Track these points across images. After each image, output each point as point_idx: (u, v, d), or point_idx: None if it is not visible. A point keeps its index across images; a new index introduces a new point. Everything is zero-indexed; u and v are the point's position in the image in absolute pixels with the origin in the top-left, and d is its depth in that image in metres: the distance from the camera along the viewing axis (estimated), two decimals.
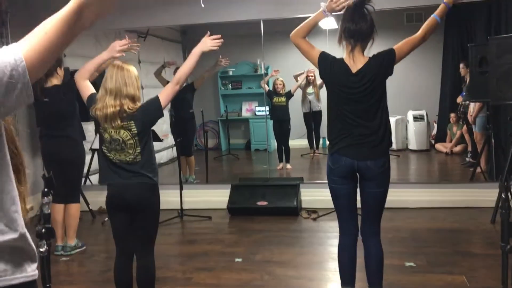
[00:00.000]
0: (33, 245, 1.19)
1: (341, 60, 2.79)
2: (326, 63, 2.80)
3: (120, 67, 2.79)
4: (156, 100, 2.79)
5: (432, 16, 2.80)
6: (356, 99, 2.74)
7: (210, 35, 2.88)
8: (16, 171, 1.18)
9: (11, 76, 1.00)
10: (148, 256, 2.93)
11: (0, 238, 1.09)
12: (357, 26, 2.70)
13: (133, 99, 2.77)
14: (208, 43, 2.85)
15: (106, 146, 2.81)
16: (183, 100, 6.61)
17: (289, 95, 7.37)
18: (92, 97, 2.88)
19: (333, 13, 2.82)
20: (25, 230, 1.15)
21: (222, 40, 2.86)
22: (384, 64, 2.74)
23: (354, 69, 2.74)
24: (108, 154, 2.81)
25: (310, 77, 7.81)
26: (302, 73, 7.58)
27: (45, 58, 1.06)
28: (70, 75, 4.44)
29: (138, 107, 2.76)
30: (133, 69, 2.84)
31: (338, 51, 2.86)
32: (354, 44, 2.74)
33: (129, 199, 2.81)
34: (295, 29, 2.87)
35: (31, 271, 1.17)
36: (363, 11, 2.73)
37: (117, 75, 2.76)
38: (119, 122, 2.73)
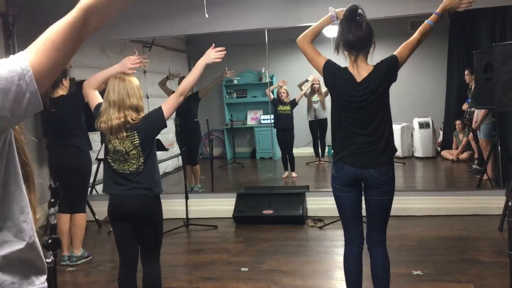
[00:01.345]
0: (43, 257, 1.18)
1: (345, 69, 2.79)
2: (330, 71, 2.81)
3: (122, 79, 2.81)
4: (159, 111, 2.80)
5: (426, 21, 2.80)
6: (360, 108, 2.74)
7: (215, 45, 2.89)
8: (26, 180, 1.19)
9: (19, 86, 1.00)
10: (153, 266, 2.93)
11: (8, 249, 1.09)
12: (354, 36, 2.70)
13: (136, 109, 2.78)
14: (212, 55, 2.85)
15: (110, 156, 2.83)
16: (187, 109, 6.63)
17: (293, 103, 7.37)
18: (98, 107, 2.90)
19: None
20: (33, 240, 1.14)
21: (225, 52, 2.86)
22: (388, 71, 2.74)
23: (359, 78, 2.74)
24: (113, 164, 2.83)
25: (315, 85, 7.82)
26: (306, 81, 7.59)
27: (53, 66, 1.05)
28: (76, 85, 4.48)
29: (141, 117, 2.78)
30: (134, 80, 2.86)
31: (343, 59, 2.87)
32: (356, 54, 2.75)
33: (130, 210, 2.81)
34: (302, 34, 2.88)
35: (40, 283, 1.16)
36: (358, 19, 2.73)
37: (119, 87, 2.77)
38: (124, 134, 2.74)
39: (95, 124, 2.84)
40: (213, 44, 2.91)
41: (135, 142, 2.76)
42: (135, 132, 2.75)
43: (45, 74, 1.04)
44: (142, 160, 2.79)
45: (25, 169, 1.18)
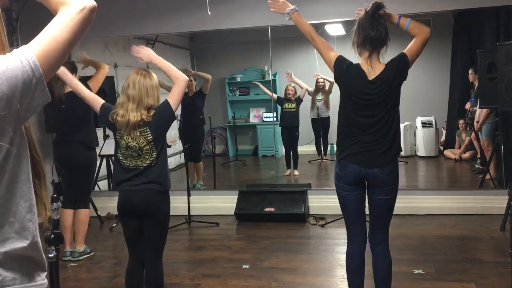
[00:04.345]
0: (43, 254, 1.19)
1: (358, 65, 2.77)
2: (342, 67, 2.78)
3: (143, 75, 2.81)
4: (166, 104, 2.82)
5: (408, 24, 2.76)
6: (370, 106, 2.72)
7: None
8: (38, 177, 1.19)
9: (25, 73, 1.03)
10: (156, 262, 2.94)
11: (10, 246, 1.09)
12: (377, 33, 2.69)
13: (149, 109, 2.79)
14: (149, 53, 2.87)
15: (122, 153, 2.83)
16: (194, 106, 6.64)
17: (298, 100, 7.38)
18: (105, 107, 2.90)
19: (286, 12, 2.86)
20: (36, 240, 1.15)
21: (139, 48, 2.89)
22: (399, 69, 2.72)
23: (371, 76, 2.72)
24: (124, 161, 2.83)
25: (320, 84, 7.81)
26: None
27: (57, 53, 1.08)
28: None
29: (152, 114, 2.79)
30: (155, 78, 2.86)
31: (348, 56, 2.86)
32: (372, 50, 2.73)
33: (138, 205, 2.82)
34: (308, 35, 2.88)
35: (41, 280, 1.16)
36: (378, 17, 2.73)
37: (140, 83, 2.77)
38: (137, 131, 2.76)
39: (110, 117, 2.82)
40: (131, 47, 2.92)
41: (148, 138, 2.77)
42: (147, 128, 2.77)
43: (50, 61, 1.07)
44: (155, 155, 2.80)
45: (37, 167, 1.19)
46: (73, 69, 4.35)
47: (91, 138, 4.43)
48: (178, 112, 6.96)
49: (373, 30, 2.70)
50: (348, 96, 2.78)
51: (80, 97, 3.06)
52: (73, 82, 3.11)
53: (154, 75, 2.87)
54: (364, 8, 2.77)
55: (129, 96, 2.77)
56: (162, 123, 2.82)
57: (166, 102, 2.81)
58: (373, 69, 2.72)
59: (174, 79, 2.82)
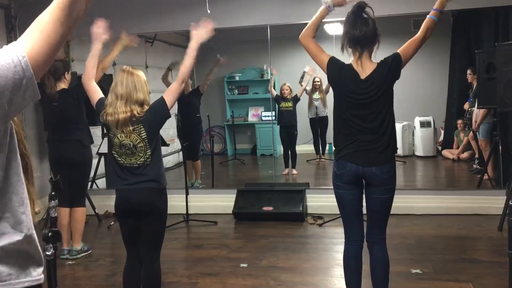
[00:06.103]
0: (40, 249, 1.19)
1: (350, 65, 2.78)
2: (335, 68, 2.79)
3: (130, 72, 2.81)
4: (161, 101, 2.82)
5: (428, 16, 2.79)
6: (364, 105, 2.73)
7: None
8: (25, 171, 1.19)
9: (16, 73, 1.01)
10: (154, 261, 2.93)
11: (6, 240, 1.10)
12: (361, 32, 2.71)
13: (141, 104, 2.78)
14: (203, 33, 2.83)
15: (116, 151, 2.83)
16: (189, 105, 6.64)
17: (296, 99, 7.37)
18: (101, 101, 2.90)
19: (336, 8, 2.83)
20: (31, 232, 1.15)
21: (212, 24, 2.84)
22: (391, 69, 2.74)
23: (363, 75, 2.73)
24: (119, 159, 2.83)
25: (316, 83, 7.81)
26: (304, 74, 7.55)
27: (47, 51, 1.06)
28: (77, 79, 4.47)
29: (145, 110, 2.78)
30: (142, 74, 2.86)
31: (345, 56, 2.86)
32: (361, 50, 2.74)
33: (135, 204, 2.82)
34: (303, 30, 2.87)
35: (37, 275, 1.16)
36: (363, 16, 2.74)
37: (127, 81, 2.77)
38: (130, 128, 2.75)
39: (100, 117, 2.83)
40: (192, 23, 2.87)
41: (142, 135, 2.77)
42: (141, 125, 2.77)
43: (41, 60, 1.06)
44: (149, 153, 2.80)
45: (24, 161, 1.19)
46: (65, 67, 4.34)
47: (85, 136, 4.42)
48: (175, 111, 6.98)
49: (357, 30, 2.71)
50: (342, 96, 2.79)
51: (85, 82, 3.00)
52: (92, 60, 2.99)
53: (140, 71, 2.87)
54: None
55: (118, 94, 2.76)
56: (156, 120, 2.82)
57: (162, 99, 2.82)
58: (364, 69, 2.74)
59: (180, 78, 2.82)
